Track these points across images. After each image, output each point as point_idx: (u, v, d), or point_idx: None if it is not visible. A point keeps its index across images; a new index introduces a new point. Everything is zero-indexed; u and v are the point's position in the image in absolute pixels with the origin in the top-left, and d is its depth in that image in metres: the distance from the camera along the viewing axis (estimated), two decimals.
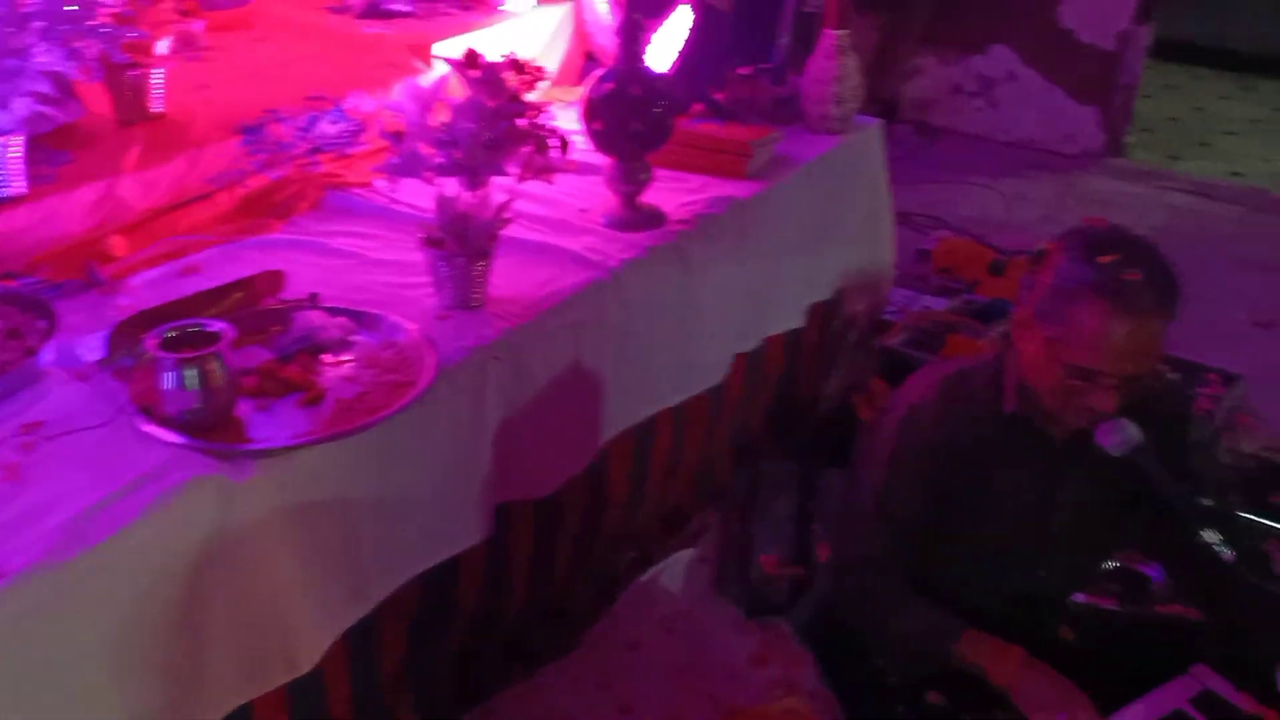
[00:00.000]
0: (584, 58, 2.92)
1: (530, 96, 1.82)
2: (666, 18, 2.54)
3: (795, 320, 2.65)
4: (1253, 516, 1.66)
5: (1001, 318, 3.02)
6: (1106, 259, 1.53)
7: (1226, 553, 1.58)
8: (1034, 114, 5.09)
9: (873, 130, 2.78)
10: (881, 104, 5.00)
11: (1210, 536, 1.58)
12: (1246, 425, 3.05)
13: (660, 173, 2.29)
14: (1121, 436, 1.62)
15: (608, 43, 2.20)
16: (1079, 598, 2.19)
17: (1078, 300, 1.54)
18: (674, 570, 2.48)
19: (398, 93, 1.88)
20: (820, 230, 2.66)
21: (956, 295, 3.44)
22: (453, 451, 1.76)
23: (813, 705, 2.10)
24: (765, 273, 2.48)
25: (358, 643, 1.72)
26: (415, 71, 2.49)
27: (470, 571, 1.95)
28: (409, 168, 1.77)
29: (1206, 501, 1.63)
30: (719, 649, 2.29)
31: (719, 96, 2.68)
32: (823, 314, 2.85)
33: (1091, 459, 1.71)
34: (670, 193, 2.34)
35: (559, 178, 2.08)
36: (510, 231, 1.93)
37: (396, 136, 1.79)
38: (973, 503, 1.76)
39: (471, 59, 1.77)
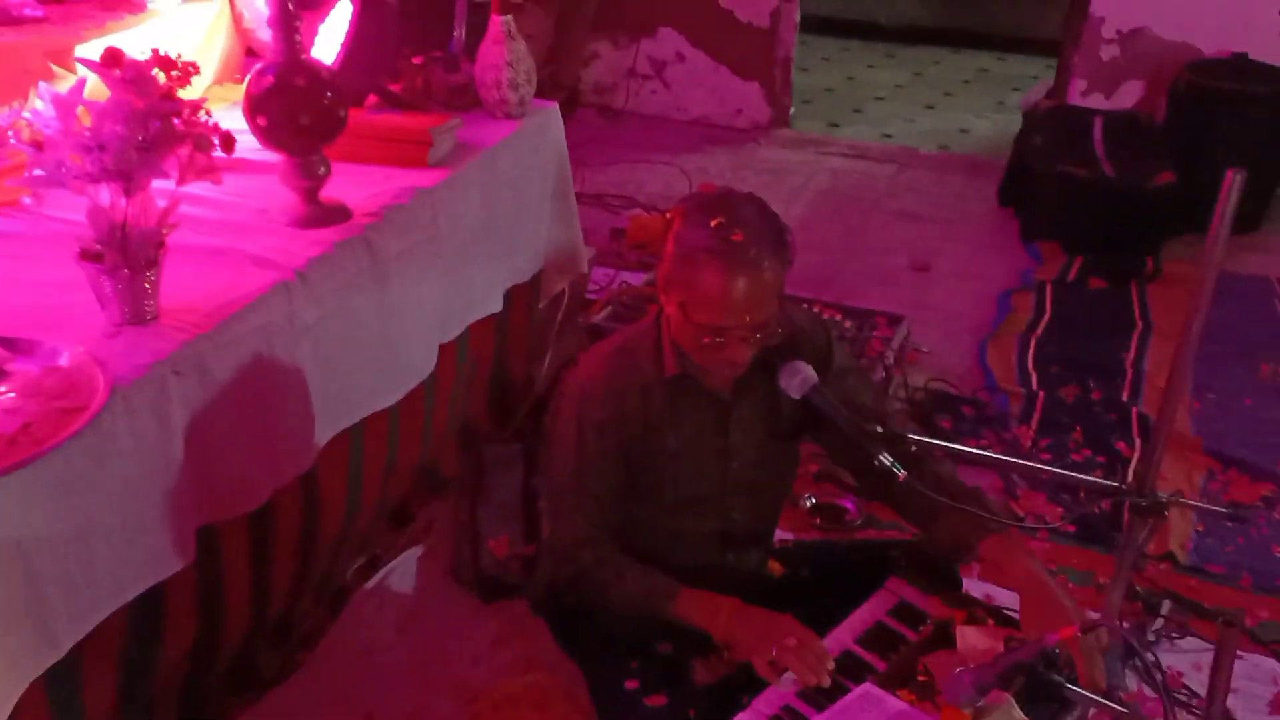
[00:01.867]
0: (245, 54, 2.79)
1: (185, 94, 1.72)
2: (327, 9, 2.48)
3: (494, 305, 2.66)
4: (921, 438, 1.83)
5: None
6: (715, 222, 1.65)
7: (900, 472, 1.72)
8: (705, 92, 5.35)
9: (551, 113, 2.83)
10: (563, 90, 5.09)
11: (885, 460, 1.73)
12: (914, 360, 3.37)
13: (341, 167, 2.23)
14: (800, 378, 1.75)
15: (268, 37, 2.12)
16: (786, 535, 2.36)
17: (696, 264, 1.66)
18: (404, 569, 2.45)
19: (35, 100, 1.73)
20: (511, 214, 2.68)
21: (652, 269, 3.58)
22: (139, 476, 1.65)
23: (554, 677, 2.14)
24: (461, 260, 2.48)
25: (58, 686, 1.59)
26: (54, 78, 2.30)
27: (180, 599, 1.84)
28: (55, 178, 1.63)
29: (878, 428, 1.77)
30: (457, 639, 2.28)
31: (394, 87, 2.66)
32: (526, 296, 2.88)
33: (755, 400, 1.85)
34: (354, 186, 2.29)
35: (233, 179, 1.99)
36: (180, 238, 1.83)
37: (37, 146, 1.65)
38: (656, 463, 1.86)
39: (114, 58, 1.66)
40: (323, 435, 2.09)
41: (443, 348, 2.47)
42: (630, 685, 1.82)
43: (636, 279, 3.53)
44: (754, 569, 2.05)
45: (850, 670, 1.78)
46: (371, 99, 2.61)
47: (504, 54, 2.62)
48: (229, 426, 1.83)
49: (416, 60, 2.69)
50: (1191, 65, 4.40)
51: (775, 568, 2.13)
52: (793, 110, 5.45)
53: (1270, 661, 2.30)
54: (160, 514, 1.70)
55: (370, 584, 2.38)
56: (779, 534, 2.19)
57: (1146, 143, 4.37)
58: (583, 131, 4.95)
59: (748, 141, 5.22)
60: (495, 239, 2.62)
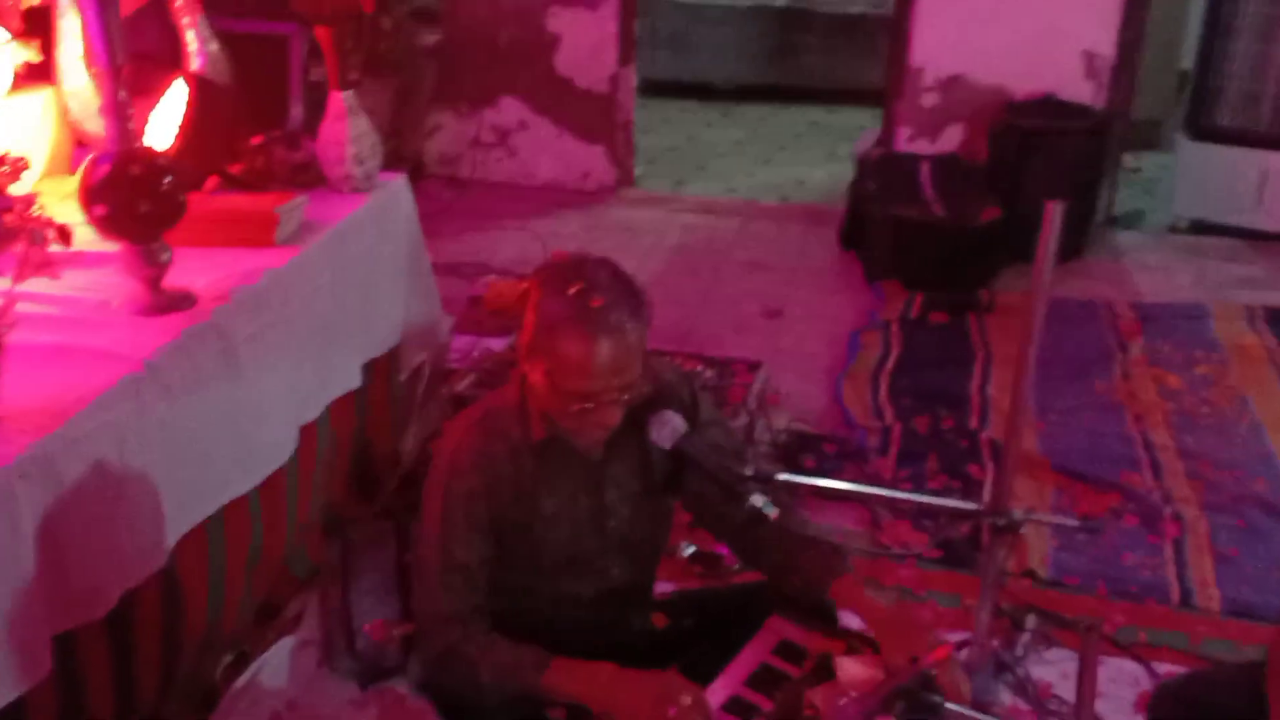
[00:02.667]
0: (75, 145, 2.71)
1: (14, 190, 1.66)
2: (159, 94, 2.43)
3: (352, 381, 2.62)
4: (790, 477, 1.88)
5: None
6: (573, 290, 1.67)
7: (772, 511, 1.76)
8: (550, 158, 5.43)
9: (399, 185, 2.83)
10: (407, 163, 5.09)
11: (756, 500, 1.77)
12: (775, 404, 3.46)
13: (185, 252, 2.18)
14: (669, 429, 1.76)
15: (98, 127, 2.06)
16: (667, 587, 2.37)
17: (558, 333, 1.67)
18: (276, 662, 2.36)
19: None
20: (365, 288, 2.66)
21: (513, 334, 3.58)
22: None
23: None
24: (317, 338, 2.44)
25: None
26: None
27: (40, 708, 1.73)
28: None
29: (747, 470, 1.81)
30: None
31: (234, 169, 2.61)
32: (386, 370, 2.85)
33: (626, 457, 1.86)
34: (200, 271, 2.23)
35: (71, 273, 1.92)
36: (20, 337, 1.75)
37: None
38: (531, 529, 1.84)
39: None
40: (177, 530, 2.02)
41: (303, 429, 2.42)
42: None
43: (498, 345, 3.52)
44: (637, 626, 2.05)
45: (740, 713, 1.80)
46: (212, 182, 2.56)
47: (346, 129, 2.61)
48: (80, 528, 1.75)
49: (255, 140, 2.66)
50: (1007, 107, 4.70)
51: (659, 620, 2.13)
52: (638, 171, 5.57)
53: (1131, 664, 2.41)
54: (13, 625, 1.60)
55: (241, 681, 2.28)
56: (659, 586, 2.21)
57: (971, 182, 4.63)
58: (431, 203, 4.94)
59: (597, 203, 5.30)
60: (351, 314, 2.58)
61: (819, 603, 2.00)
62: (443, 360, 3.27)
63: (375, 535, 2.66)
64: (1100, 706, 2.25)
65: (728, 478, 1.77)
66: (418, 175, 5.26)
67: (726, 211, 5.29)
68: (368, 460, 2.83)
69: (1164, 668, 2.37)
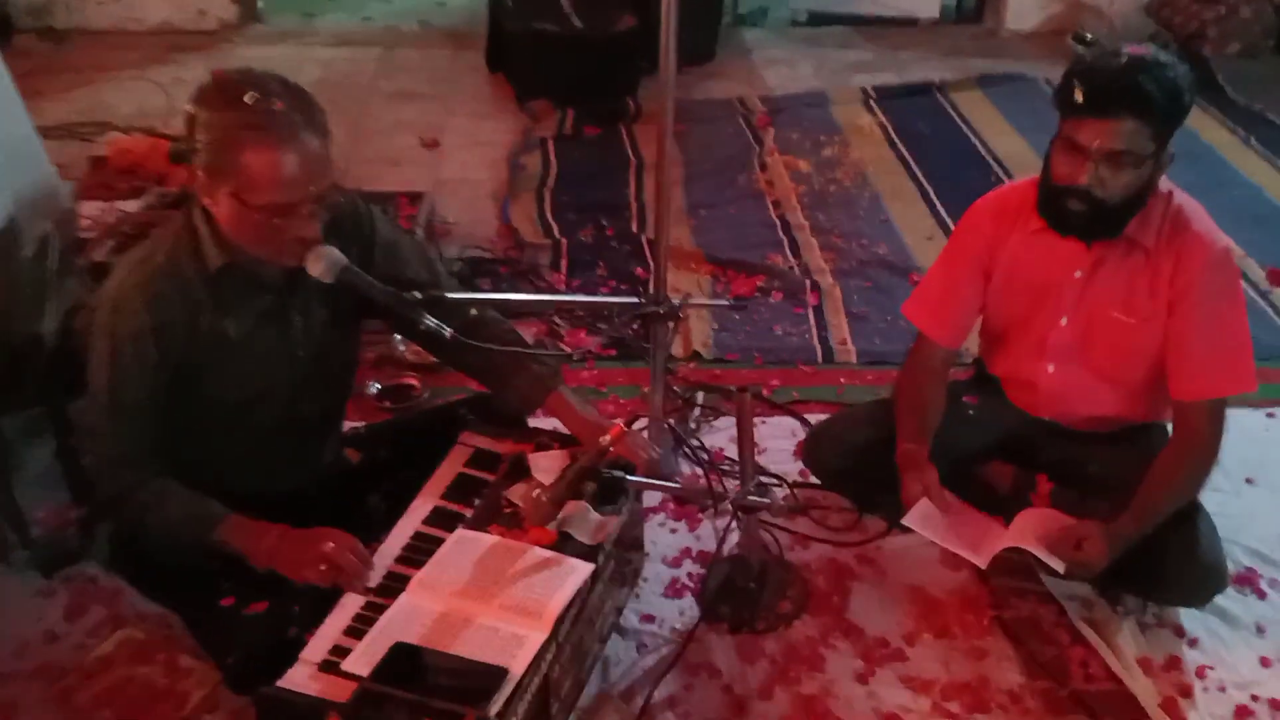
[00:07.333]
0: None
1: None
2: None
3: None
4: (459, 296, 1.92)
5: None
6: (250, 98, 1.59)
7: (446, 331, 1.79)
8: None
9: None
10: None
11: (429, 322, 1.79)
12: (445, 234, 3.46)
13: None
14: (325, 263, 1.73)
15: None
16: (357, 422, 2.38)
17: (241, 146, 1.59)
18: None
19: None
20: None
21: (148, 192, 3.32)
22: None
23: (148, 626, 2.04)
24: None
25: None
26: None
27: None
28: None
29: (416, 295, 1.81)
30: (26, 622, 2.09)
31: None
32: (5, 248, 2.58)
33: (310, 285, 1.82)
34: None
35: None
36: None
37: None
38: (216, 364, 1.79)
39: None
40: None
41: None
42: (226, 603, 1.79)
43: (133, 206, 3.25)
44: (329, 459, 2.06)
45: (444, 523, 1.87)
46: None
47: None
48: None
49: None
50: None
51: (352, 455, 2.15)
52: (261, 4, 5.20)
53: (789, 419, 2.70)
54: None
55: None
56: (350, 423, 2.22)
57: None
58: (26, 60, 4.41)
59: (221, 44, 4.93)
60: None
61: (511, 411, 2.08)
62: (71, 230, 3.00)
63: (30, 424, 2.48)
64: (765, 459, 2.52)
65: (397, 304, 1.78)
66: (4, 31, 4.67)
67: (365, 41, 5.07)
68: (8, 346, 2.59)
69: (816, 418, 2.65)
